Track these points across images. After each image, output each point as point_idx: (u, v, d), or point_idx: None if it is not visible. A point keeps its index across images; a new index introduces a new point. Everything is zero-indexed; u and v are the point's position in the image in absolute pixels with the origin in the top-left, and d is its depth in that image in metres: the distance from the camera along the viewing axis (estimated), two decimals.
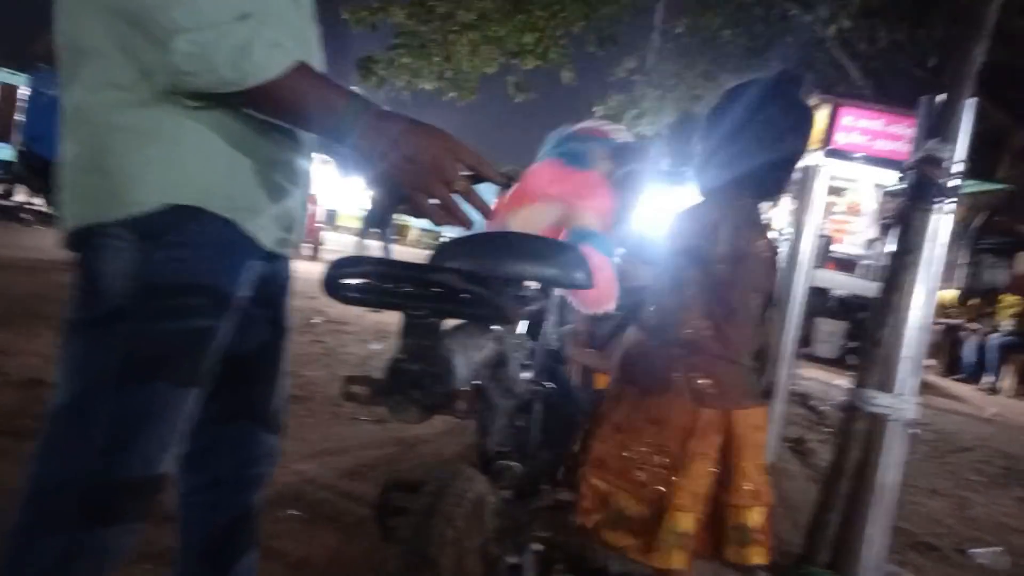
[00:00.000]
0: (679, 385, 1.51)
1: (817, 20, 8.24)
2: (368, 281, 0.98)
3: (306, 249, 11.67)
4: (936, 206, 2.26)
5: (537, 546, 1.63)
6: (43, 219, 9.75)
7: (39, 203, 11.00)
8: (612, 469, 1.54)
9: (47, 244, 7.84)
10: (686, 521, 1.46)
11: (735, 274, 1.51)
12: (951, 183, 2.26)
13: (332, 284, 0.96)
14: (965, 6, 2.41)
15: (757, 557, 1.48)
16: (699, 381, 1.50)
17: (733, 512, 1.49)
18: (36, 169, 10.35)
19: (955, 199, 2.28)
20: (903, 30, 8.63)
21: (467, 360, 1.05)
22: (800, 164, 1.81)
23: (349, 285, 0.98)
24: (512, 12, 9.12)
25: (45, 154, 10.25)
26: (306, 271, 7.10)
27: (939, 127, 2.25)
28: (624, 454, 1.53)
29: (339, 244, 17.42)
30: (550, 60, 9.61)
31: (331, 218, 20.40)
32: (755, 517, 1.49)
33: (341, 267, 0.98)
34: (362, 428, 3.20)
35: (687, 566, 1.48)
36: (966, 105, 2.25)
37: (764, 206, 1.68)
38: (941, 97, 2.27)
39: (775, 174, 1.58)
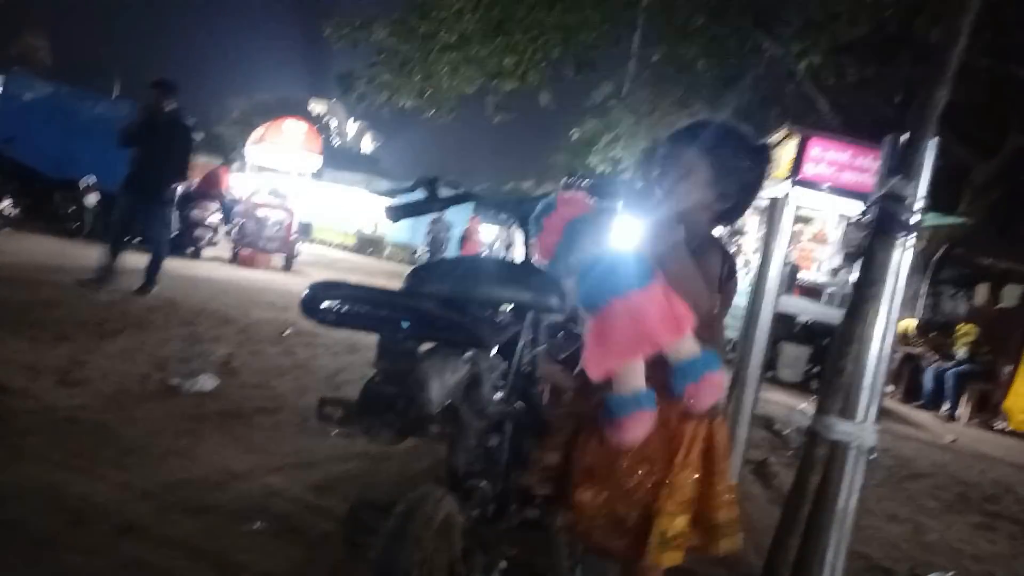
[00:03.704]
0: (664, 400, 1.56)
1: (789, 54, 8.44)
2: (346, 304, 1.01)
3: (280, 260, 11.55)
4: (898, 240, 2.33)
5: (504, 564, 1.65)
6: (9, 223, 9.56)
7: (5, 206, 10.76)
8: (602, 478, 1.60)
9: (11, 248, 7.69)
10: (677, 523, 1.56)
11: (723, 297, 1.61)
12: (913, 219, 2.33)
13: (311, 306, 0.98)
14: (930, 48, 2.51)
15: (733, 545, 1.61)
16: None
17: (713, 512, 1.59)
18: (7, 172, 10.10)
19: (916, 234, 2.36)
20: (871, 68, 8.88)
21: (441, 383, 1.07)
22: (761, 194, 1.86)
23: (328, 308, 1.00)
24: (493, 35, 9.21)
25: (17, 157, 10.02)
26: (280, 282, 7.10)
27: (902, 165, 2.33)
28: (613, 464, 1.59)
29: (314, 256, 17.33)
30: (528, 83, 9.72)
31: (306, 231, 20.28)
32: (731, 512, 1.61)
33: (320, 290, 1.00)
34: (331, 441, 3.19)
35: (680, 562, 1.58)
36: (928, 145, 2.33)
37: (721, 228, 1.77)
38: (905, 136, 2.35)
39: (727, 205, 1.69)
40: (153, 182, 6.28)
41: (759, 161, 1.70)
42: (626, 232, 1.60)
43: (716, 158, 1.63)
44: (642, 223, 1.61)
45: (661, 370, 1.48)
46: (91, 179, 9.98)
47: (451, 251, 17.45)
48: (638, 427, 1.45)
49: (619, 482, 1.58)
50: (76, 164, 10.13)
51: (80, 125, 10.74)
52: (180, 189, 11.95)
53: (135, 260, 6.36)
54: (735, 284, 1.69)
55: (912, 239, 2.35)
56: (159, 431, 2.94)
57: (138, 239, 7.01)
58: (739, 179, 1.65)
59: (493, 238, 24.29)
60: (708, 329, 1.60)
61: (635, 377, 1.44)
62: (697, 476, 1.59)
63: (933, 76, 2.33)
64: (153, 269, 6.32)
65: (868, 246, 2.40)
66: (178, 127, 6.52)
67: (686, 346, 1.42)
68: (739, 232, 9.18)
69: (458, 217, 16.53)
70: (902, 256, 2.34)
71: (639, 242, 1.52)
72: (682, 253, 1.51)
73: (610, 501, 1.59)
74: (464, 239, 16.55)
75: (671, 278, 1.44)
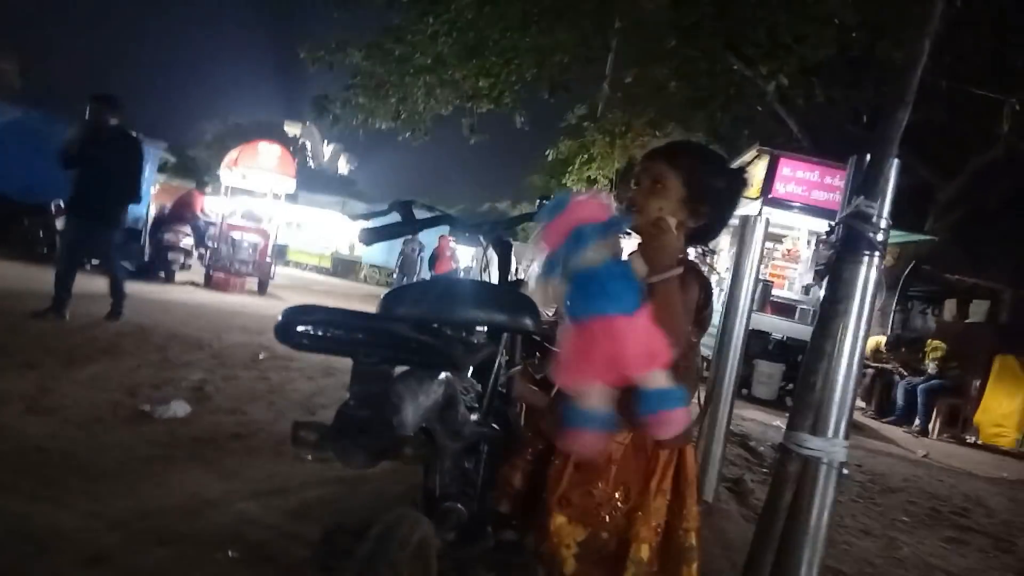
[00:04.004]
0: (639, 427, 1.56)
1: (758, 76, 8.63)
2: (320, 328, 1.01)
3: (254, 283, 11.45)
4: (864, 258, 2.38)
5: None
6: None
7: None
8: (576, 505, 1.59)
9: None
10: (645, 550, 1.56)
11: (699, 324, 1.61)
12: (878, 237, 2.39)
13: (285, 331, 0.98)
14: (892, 71, 2.58)
15: (695, 572, 1.59)
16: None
17: (682, 535, 1.59)
18: None
19: (882, 252, 2.41)
20: (837, 89, 9.11)
21: (416, 406, 1.08)
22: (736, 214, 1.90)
23: (302, 332, 1.00)
24: (468, 57, 9.32)
25: None
26: (254, 306, 7.04)
27: (867, 184, 2.39)
28: (588, 492, 1.59)
29: (289, 279, 17.21)
30: (503, 104, 9.83)
31: (281, 253, 20.16)
32: (696, 538, 1.60)
33: (294, 315, 1.01)
34: (306, 467, 3.15)
35: None
36: (891, 164, 2.39)
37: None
38: (869, 156, 2.41)
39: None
40: (102, 204, 5.78)
41: (733, 183, 1.73)
42: (628, 250, 1.59)
43: (691, 176, 1.64)
44: (639, 247, 1.61)
45: (632, 394, 1.48)
46: (61, 203, 9.85)
47: (423, 270, 17.46)
48: (587, 443, 1.41)
49: (595, 509, 1.58)
50: (46, 188, 9.99)
51: (49, 149, 10.58)
52: (153, 212, 11.85)
53: (98, 284, 6.28)
54: (711, 311, 1.70)
55: (878, 257, 2.41)
56: (130, 459, 2.89)
57: (94, 262, 6.69)
58: (713, 199, 1.66)
59: (470, 260, 24.34)
60: (684, 358, 1.61)
61: (599, 396, 1.40)
62: (668, 502, 1.59)
63: (895, 97, 2.40)
64: (117, 294, 6.00)
65: (835, 264, 2.45)
66: (126, 142, 5.98)
67: (654, 378, 1.40)
68: (712, 252, 9.28)
69: (430, 237, 16.56)
70: (868, 274, 2.39)
71: (633, 265, 1.49)
72: (673, 286, 1.51)
73: (586, 528, 1.58)
74: (435, 258, 16.56)
75: (658, 308, 1.43)
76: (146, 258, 10.80)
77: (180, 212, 11.33)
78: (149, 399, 3.70)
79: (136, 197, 6.26)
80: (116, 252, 6.15)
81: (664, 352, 1.37)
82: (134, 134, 6.23)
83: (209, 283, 10.82)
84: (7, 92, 28.85)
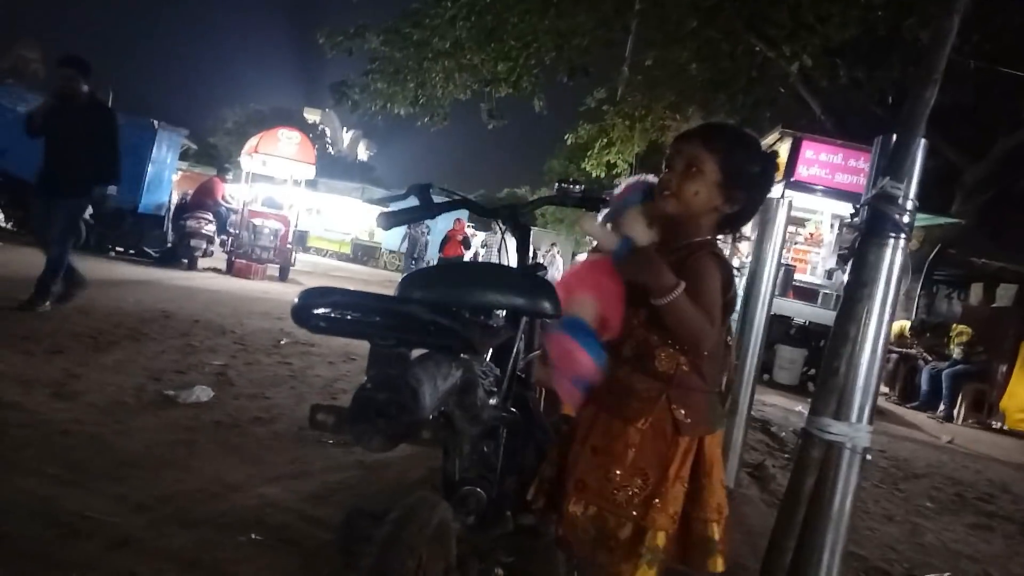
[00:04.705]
0: (659, 414, 1.57)
1: (781, 57, 8.49)
2: (337, 311, 1.01)
3: (275, 270, 11.54)
4: (890, 241, 2.34)
5: (500, 572, 1.65)
6: (2, 236, 9.53)
7: None
8: (593, 490, 1.58)
9: (4, 260, 7.66)
10: (661, 538, 1.54)
11: (723, 314, 1.59)
12: (904, 219, 2.34)
13: (302, 314, 0.98)
14: (919, 50, 2.52)
15: (720, 566, 1.57)
16: (680, 412, 1.56)
17: (701, 525, 1.57)
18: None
19: (908, 234, 2.36)
20: (862, 69, 8.94)
21: (434, 389, 1.07)
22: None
23: (319, 315, 1.00)
24: (486, 41, 9.27)
25: (10, 170, 9.99)
26: (275, 292, 7.10)
27: (893, 165, 2.33)
28: (605, 476, 1.58)
29: (310, 265, 17.32)
30: (522, 89, 9.77)
31: (301, 240, 20.25)
32: (718, 529, 1.58)
33: (311, 297, 1.00)
34: (327, 451, 3.18)
35: None
36: (919, 145, 2.34)
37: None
38: (896, 136, 2.36)
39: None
40: (72, 179, 5.15)
41: (767, 168, 1.69)
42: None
43: (727, 160, 1.61)
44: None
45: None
46: None
47: (431, 253, 17.20)
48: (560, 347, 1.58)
49: (611, 494, 1.56)
50: None
51: None
52: (175, 199, 11.92)
53: (123, 271, 6.34)
54: (734, 295, 1.67)
55: (903, 240, 2.36)
56: (154, 443, 2.92)
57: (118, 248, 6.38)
58: (748, 183, 1.63)
59: (484, 243, 24.34)
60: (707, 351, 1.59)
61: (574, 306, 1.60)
62: (686, 490, 1.57)
63: (922, 76, 2.33)
64: (46, 279, 5.11)
65: (859, 247, 2.40)
66: (98, 112, 5.36)
67: (569, 304, 1.53)
68: (745, 237, 9.18)
69: (441, 220, 16.36)
70: (894, 257, 2.35)
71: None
72: (649, 266, 1.51)
73: (602, 513, 1.57)
74: (446, 241, 16.40)
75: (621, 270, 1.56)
76: (168, 245, 10.92)
77: (202, 199, 11.43)
78: (173, 384, 3.75)
79: (112, 175, 5.40)
80: (70, 229, 5.34)
81: (573, 292, 1.56)
82: (104, 102, 5.69)
83: (231, 269, 10.92)
84: (31, 80, 29.19)
